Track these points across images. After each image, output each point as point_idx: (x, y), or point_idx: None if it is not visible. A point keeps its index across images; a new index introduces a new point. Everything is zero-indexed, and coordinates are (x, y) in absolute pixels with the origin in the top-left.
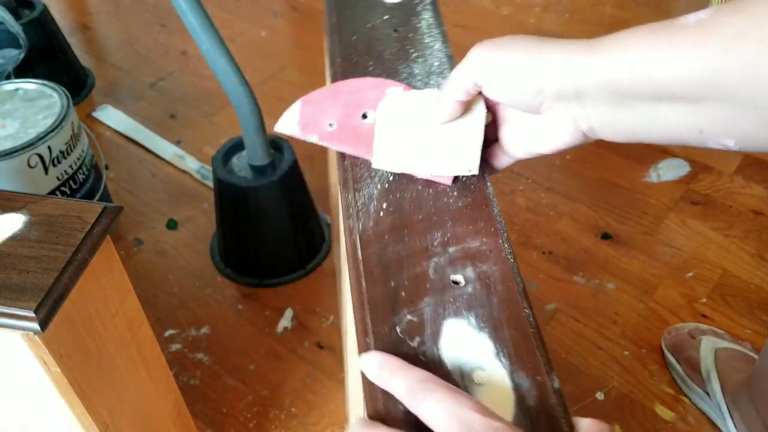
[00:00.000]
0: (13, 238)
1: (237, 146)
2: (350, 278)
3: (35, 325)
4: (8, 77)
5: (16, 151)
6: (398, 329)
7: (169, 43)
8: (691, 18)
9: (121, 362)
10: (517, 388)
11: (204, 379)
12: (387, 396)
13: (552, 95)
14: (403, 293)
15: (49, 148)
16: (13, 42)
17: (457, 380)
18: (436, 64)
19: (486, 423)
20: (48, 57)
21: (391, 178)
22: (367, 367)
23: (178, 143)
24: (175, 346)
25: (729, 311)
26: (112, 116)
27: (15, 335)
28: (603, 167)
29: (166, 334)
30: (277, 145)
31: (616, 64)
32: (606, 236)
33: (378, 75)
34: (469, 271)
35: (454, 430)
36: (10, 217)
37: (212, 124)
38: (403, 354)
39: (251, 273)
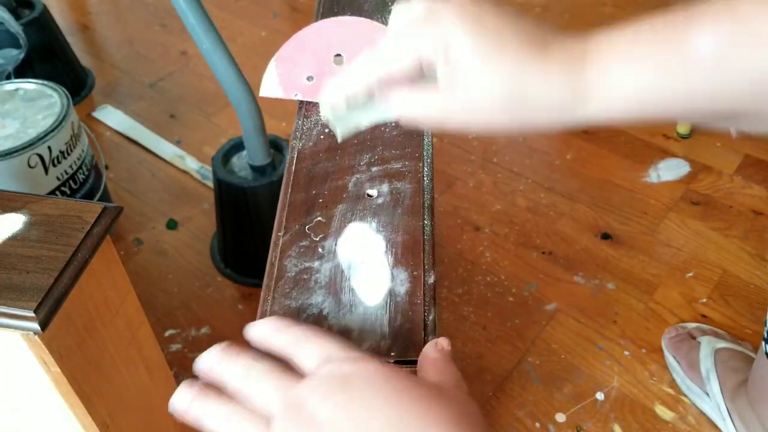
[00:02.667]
0: (13, 238)
1: (237, 146)
2: (281, 188)
3: (35, 325)
4: (8, 77)
5: (16, 151)
6: (306, 227)
7: (169, 43)
8: (707, 47)
9: (121, 362)
10: (393, 279)
11: None
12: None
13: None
14: (320, 200)
15: (49, 148)
16: (13, 42)
17: (345, 268)
18: None
19: (344, 354)
20: (48, 57)
21: None
22: (255, 331)
23: (178, 143)
24: (175, 346)
25: (729, 311)
26: (112, 116)
27: (15, 335)
28: (603, 167)
29: (166, 334)
30: (277, 145)
31: (625, 103)
32: (606, 236)
33: None
34: (384, 187)
35: (318, 364)
36: (10, 217)
37: (212, 124)
38: (304, 246)
39: (251, 273)
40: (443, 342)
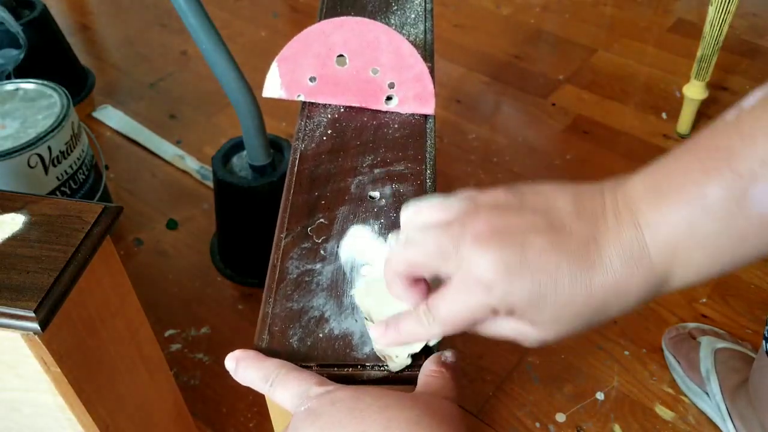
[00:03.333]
0: (13, 238)
1: (237, 146)
2: (284, 189)
3: (35, 325)
4: (8, 77)
5: (16, 151)
6: (309, 228)
7: (169, 43)
8: (765, 202)
9: (121, 362)
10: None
11: (204, 379)
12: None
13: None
14: (322, 202)
15: (49, 148)
16: (13, 42)
17: (347, 271)
18: (412, 16)
19: (320, 389)
20: (48, 57)
21: (342, 110)
22: (228, 364)
23: (178, 143)
24: (175, 346)
25: (729, 311)
26: (112, 116)
27: (15, 335)
28: (603, 167)
29: (166, 334)
30: (277, 145)
31: (707, 273)
32: None
33: None
34: (387, 189)
35: (296, 403)
36: (10, 217)
37: (212, 125)
38: (306, 248)
39: (251, 273)
40: (448, 354)
